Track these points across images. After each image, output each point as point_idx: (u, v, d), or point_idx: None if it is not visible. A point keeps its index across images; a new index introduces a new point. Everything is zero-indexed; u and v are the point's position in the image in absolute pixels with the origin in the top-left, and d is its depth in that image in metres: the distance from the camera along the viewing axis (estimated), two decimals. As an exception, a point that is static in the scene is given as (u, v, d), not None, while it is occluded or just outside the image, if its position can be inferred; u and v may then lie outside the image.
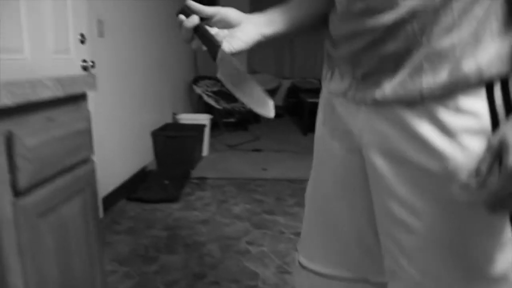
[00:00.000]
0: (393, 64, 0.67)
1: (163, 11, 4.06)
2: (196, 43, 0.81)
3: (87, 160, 1.16)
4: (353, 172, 0.82)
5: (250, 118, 5.26)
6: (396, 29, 0.65)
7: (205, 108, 5.13)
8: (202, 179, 3.61)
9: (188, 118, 4.34)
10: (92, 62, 2.40)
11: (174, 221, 2.73)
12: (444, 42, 0.63)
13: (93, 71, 2.47)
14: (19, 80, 0.86)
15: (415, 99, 0.66)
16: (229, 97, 5.13)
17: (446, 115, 0.64)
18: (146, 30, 3.65)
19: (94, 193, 1.20)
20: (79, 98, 1.14)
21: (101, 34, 2.77)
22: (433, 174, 0.66)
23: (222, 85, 5.24)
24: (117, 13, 3.04)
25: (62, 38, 2.21)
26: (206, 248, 2.38)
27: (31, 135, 0.90)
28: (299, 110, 6.54)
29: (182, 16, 0.78)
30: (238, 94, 0.79)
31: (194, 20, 0.77)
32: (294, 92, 7.12)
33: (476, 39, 0.62)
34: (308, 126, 5.48)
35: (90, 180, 1.18)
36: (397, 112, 0.68)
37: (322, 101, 0.90)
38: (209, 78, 5.27)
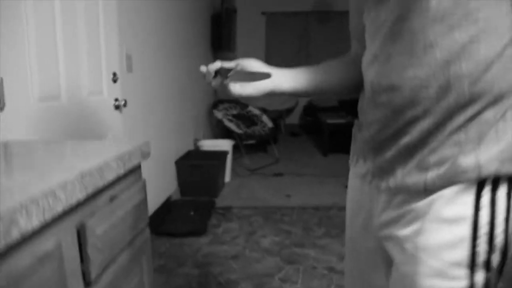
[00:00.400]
0: (408, 155, 0.73)
1: (183, 37, 4.09)
2: (217, 80, 0.90)
3: (143, 230, 1.15)
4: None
5: (269, 139, 5.24)
6: (414, 124, 0.71)
7: (225, 132, 5.12)
8: (227, 208, 3.59)
9: (210, 144, 4.34)
10: (125, 101, 2.41)
11: (203, 257, 2.71)
12: (452, 138, 0.68)
13: (124, 109, 2.48)
14: (88, 168, 0.85)
15: (420, 189, 0.72)
16: (249, 120, 5.14)
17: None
18: (169, 59, 3.67)
19: (149, 261, 1.19)
20: (136, 169, 1.13)
21: (129, 69, 2.79)
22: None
23: (241, 108, 5.25)
24: (144, 46, 3.06)
25: (96, 79, 2.23)
26: (240, 286, 2.35)
27: (100, 221, 0.89)
28: (316, 129, 6.51)
29: (203, 67, 0.90)
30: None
31: (217, 64, 0.89)
32: (310, 110, 7.10)
33: (480, 138, 0.67)
34: (328, 147, 5.45)
35: (146, 249, 1.17)
36: (406, 199, 0.75)
37: (351, 182, 0.96)
38: (228, 101, 5.28)
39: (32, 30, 1.69)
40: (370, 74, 0.80)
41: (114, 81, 2.38)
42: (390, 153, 0.76)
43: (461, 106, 0.67)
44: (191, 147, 4.34)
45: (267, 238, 3.03)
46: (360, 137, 0.86)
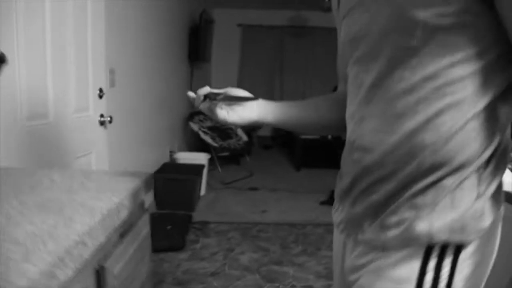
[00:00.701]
0: (374, 212, 0.77)
1: (162, 49, 4.08)
2: (205, 104, 0.93)
3: (149, 264, 1.16)
4: None
5: (243, 152, 5.28)
6: (381, 184, 0.75)
7: (200, 144, 5.12)
8: (204, 223, 3.60)
9: (186, 157, 4.33)
10: (110, 117, 2.39)
11: (183, 274, 2.71)
12: (411, 202, 0.72)
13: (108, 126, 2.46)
14: (107, 210, 0.86)
15: (379, 246, 0.76)
16: (224, 133, 5.15)
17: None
18: (148, 72, 3.66)
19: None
20: (142, 203, 1.14)
21: (112, 84, 2.77)
22: None
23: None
24: (125, 59, 3.04)
25: (82, 95, 2.20)
26: (221, 306, 2.36)
27: (116, 262, 0.90)
28: (289, 142, 6.59)
29: (191, 93, 0.94)
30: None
31: (206, 89, 0.92)
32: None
33: (436, 205, 0.71)
34: (301, 162, 5.53)
35: (150, 277, 1.18)
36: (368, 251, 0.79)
37: (335, 229, 0.96)
38: (203, 113, 5.28)
39: (22, 48, 1.67)
40: (348, 129, 0.84)
41: (100, 96, 2.36)
42: (360, 208, 0.80)
43: (422, 173, 0.71)
44: (167, 159, 4.31)
45: (245, 255, 3.05)
46: (339, 185, 0.88)
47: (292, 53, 7.40)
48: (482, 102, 0.69)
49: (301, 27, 7.22)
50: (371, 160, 0.76)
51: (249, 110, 0.93)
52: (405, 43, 0.70)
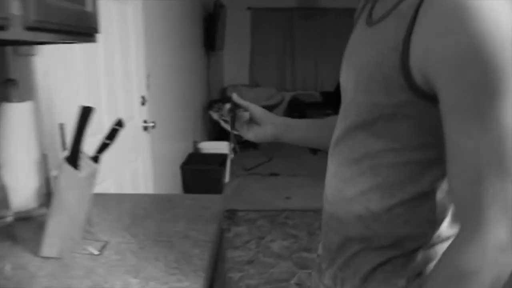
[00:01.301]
0: (330, 256, 0.87)
1: (182, 40, 4.20)
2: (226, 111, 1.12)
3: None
4: None
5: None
6: (332, 233, 0.85)
7: (219, 132, 5.27)
8: (233, 211, 3.79)
9: (210, 147, 4.50)
10: (153, 122, 2.55)
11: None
12: (341, 270, 0.82)
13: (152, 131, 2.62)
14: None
15: None
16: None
17: None
18: (172, 64, 3.76)
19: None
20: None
21: (148, 87, 2.91)
22: None
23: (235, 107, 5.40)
24: (158, 62, 3.17)
25: (128, 105, 2.36)
26: (261, 293, 2.57)
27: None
28: (303, 124, 6.73)
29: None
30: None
31: (234, 96, 1.10)
32: (295, 105, 7.30)
33: (354, 273, 0.80)
34: (317, 145, 5.69)
35: None
36: None
37: None
38: (221, 101, 5.42)
39: (82, 75, 1.83)
40: None
41: (142, 103, 2.52)
42: (320, 250, 0.92)
43: (351, 240, 0.80)
44: (191, 149, 4.48)
45: (276, 242, 3.25)
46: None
47: (303, 35, 7.44)
48: (411, 192, 0.72)
49: (311, 9, 7.26)
50: (328, 210, 0.87)
51: (264, 132, 1.06)
52: (359, 117, 0.75)
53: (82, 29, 1.14)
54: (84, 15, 1.13)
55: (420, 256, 0.75)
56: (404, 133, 0.70)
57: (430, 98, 0.64)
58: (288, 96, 7.50)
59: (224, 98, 6.41)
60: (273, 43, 7.54)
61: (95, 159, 1.01)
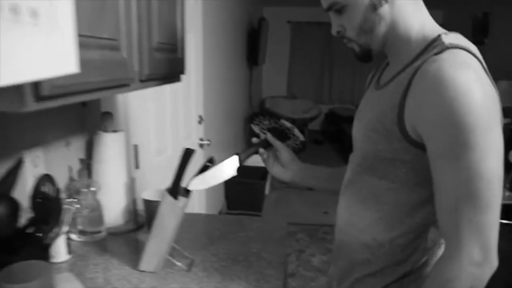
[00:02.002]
0: (338, 276, 1.03)
1: (229, 55, 4.39)
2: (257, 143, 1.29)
3: None
4: None
5: (299, 151, 5.56)
6: (341, 260, 1.02)
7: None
8: (273, 224, 3.94)
9: (251, 160, 4.64)
10: (209, 140, 2.73)
11: (264, 275, 3.06)
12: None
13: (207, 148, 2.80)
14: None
15: None
16: (282, 133, 5.45)
17: None
18: (220, 78, 3.93)
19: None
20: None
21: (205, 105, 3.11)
22: None
23: (275, 121, 5.56)
24: (212, 79, 3.36)
25: (187, 125, 2.55)
26: (303, 306, 2.70)
27: None
28: (339, 138, 6.84)
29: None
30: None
31: (268, 135, 1.30)
32: (332, 118, 7.41)
33: None
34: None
35: None
36: None
37: None
38: (262, 114, 5.59)
39: (151, 99, 2.02)
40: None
41: (199, 122, 2.71)
42: (331, 269, 1.08)
43: (360, 265, 0.96)
44: (233, 161, 4.65)
45: (315, 257, 3.37)
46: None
47: (341, 50, 7.56)
48: (409, 225, 0.88)
49: (351, 25, 7.35)
50: (340, 237, 1.02)
51: (284, 174, 1.24)
52: (365, 161, 0.93)
53: (175, 74, 1.32)
54: (177, 62, 1.31)
55: (411, 277, 0.92)
56: (402, 175, 0.86)
57: (420, 146, 0.81)
58: (325, 109, 7.62)
59: (263, 110, 6.59)
60: (311, 57, 7.69)
61: (188, 190, 1.17)
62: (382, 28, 0.90)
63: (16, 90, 0.61)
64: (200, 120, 2.70)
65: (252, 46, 5.57)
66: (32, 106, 0.65)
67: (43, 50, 0.52)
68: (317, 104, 7.49)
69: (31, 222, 0.92)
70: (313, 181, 1.25)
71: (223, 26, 3.90)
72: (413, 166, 0.84)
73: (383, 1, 0.87)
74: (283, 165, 1.24)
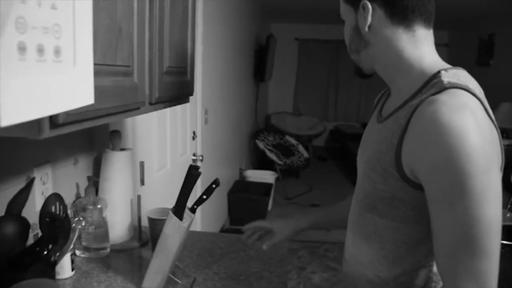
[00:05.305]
0: None
1: (234, 72, 4.44)
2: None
3: None
4: None
5: (303, 168, 5.59)
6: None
7: (264, 160, 5.46)
8: (275, 241, 3.94)
9: (255, 176, 4.69)
10: (202, 156, 2.77)
11: (265, 292, 3.06)
12: None
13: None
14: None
15: None
16: (286, 150, 5.49)
17: None
18: (225, 95, 3.97)
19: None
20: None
21: (206, 121, 3.14)
22: None
23: (280, 138, 5.60)
24: (215, 96, 3.41)
25: (183, 141, 2.59)
26: (303, 325, 2.70)
27: None
28: (343, 154, 6.85)
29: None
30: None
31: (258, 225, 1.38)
32: (337, 135, 7.44)
33: None
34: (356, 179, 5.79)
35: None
36: None
37: None
38: (267, 130, 5.63)
39: (154, 118, 2.06)
40: None
41: (193, 138, 2.74)
42: None
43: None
44: (237, 177, 4.69)
45: (316, 274, 3.37)
46: None
47: (347, 68, 7.61)
48: (412, 262, 0.89)
49: (357, 43, 7.41)
50: (346, 270, 1.05)
51: (280, 235, 1.32)
52: (367, 199, 0.94)
53: (184, 95, 1.36)
54: (186, 84, 1.35)
55: None
56: (402, 214, 0.86)
57: (419, 187, 0.81)
58: (329, 125, 7.65)
59: (269, 126, 6.63)
60: (318, 74, 7.75)
61: (193, 210, 1.20)
62: (370, 52, 0.92)
63: (34, 121, 0.64)
64: (194, 136, 2.74)
65: (259, 62, 5.63)
66: (47, 133, 0.69)
67: (63, 85, 0.56)
68: (322, 121, 7.52)
69: (40, 241, 0.95)
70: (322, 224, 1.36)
71: (231, 41, 3.96)
72: (412, 205, 0.85)
73: (366, 28, 0.88)
74: (277, 233, 1.32)
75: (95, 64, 0.79)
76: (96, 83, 0.80)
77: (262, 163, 5.60)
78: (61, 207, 0.97)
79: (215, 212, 3.72)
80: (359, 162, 1.01)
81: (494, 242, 0.74)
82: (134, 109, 1.01)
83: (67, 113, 0.71)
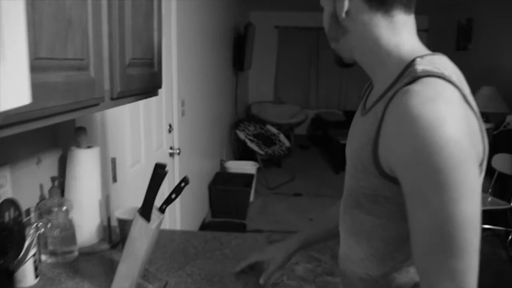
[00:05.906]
0: None
1: (213, 62, 4.36)
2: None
3: None
4: None
5: (285, 157, 5.55)
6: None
7: (245, 150, 5.40)
8: (258, 231, 3.91)
9: (236, 166, 4.63)
10: (179, 149, 2.70)
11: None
12: None
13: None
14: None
15: None
16: (268, 139, 5.43)
17: None
18: (204, 85, 3.89)
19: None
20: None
21: (183, 113, 3.06)
22: None
23: (260, 127, 5.54)
24: (192, 87, 3.33)
25: (159, 135, 2.51)
26: (287, 317, 2.67)
27: None
28: (325, 143, 6.84)
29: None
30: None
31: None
32: (318, 123, 7.41)
33: None
34: (339, 165, 5.78)
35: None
36: None
37: None
38: (247, 120, 5.56)
39: (127, 119, 1.98)
40: None
41: (169, 131, 2.67)
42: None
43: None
44: (218, 168, 4.62)
45: (300, 265, 3.34)
46: None
47: (327, 55, 7.56)
48: (400, 259, 0.85)
49: (337, 29, 7.36)
50: (341, 267, 1.00)
51: (278, 259, 1.30)
52: (351, 197, 0.90)
53: (151, 89, 1.28)
54: (153, 77, 1.27)
55: None
56: (388, 211, 0.82)
57: (398, 182, 0.76)
58: (311, 113, 7.61)
59: (249, 116, 6.56)
60: (298, 62, 7.69)
61: (162, 210, 1.13)
62: (348, 41, 0.87)
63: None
64: (170, 129, 2.66)
65: (238, 51, 5.54)
66: (-17, 136, 0.61)
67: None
68: (303, 108, 7.48)
69: (-8, 251, 0.88)
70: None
71: (208, 31, 3.87)
72: (396, 202, 0.80)
73: (343, 14, 0.83)
74: (271, 263, 1.28)
75: (40, 58, 0.72)
76: (42, 79, 0.73)
77: (243, 153, 5.54)
78: (15, 213, 0.90)
79: (196, 205, 3.66)
80: (347, 157, 0.96)
81: (471, 240, 0.70)
82: (92, 105, 0.94)
83: (6, 115, 0.63)
